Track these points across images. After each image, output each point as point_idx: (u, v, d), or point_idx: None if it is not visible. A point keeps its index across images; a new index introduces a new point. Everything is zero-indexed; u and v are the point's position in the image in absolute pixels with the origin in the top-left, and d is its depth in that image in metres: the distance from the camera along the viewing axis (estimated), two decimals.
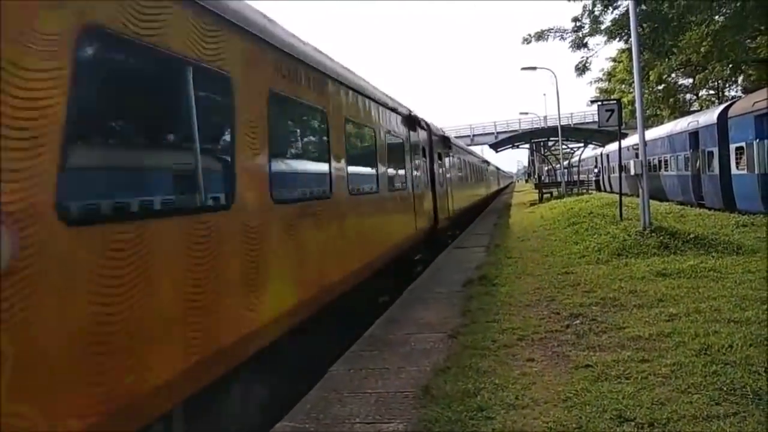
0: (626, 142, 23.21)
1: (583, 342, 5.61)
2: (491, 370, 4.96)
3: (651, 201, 12.49)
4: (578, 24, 23.65)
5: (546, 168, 53.02)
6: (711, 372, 4.50)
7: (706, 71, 33.79)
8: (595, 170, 41.36)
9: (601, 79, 48.85)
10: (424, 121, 13.68)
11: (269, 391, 5.12)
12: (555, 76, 39.62)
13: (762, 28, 22.39)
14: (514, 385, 4.59)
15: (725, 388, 4.19)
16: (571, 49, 24.02)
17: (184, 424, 3.77)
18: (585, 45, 23.87)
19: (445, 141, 17.16)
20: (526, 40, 24.41)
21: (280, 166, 5.53)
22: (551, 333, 5.99)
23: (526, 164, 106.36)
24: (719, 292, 7.10)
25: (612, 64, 44.22)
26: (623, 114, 17.01)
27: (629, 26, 14.08)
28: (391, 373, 5.23)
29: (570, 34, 23.78)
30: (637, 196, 14.52)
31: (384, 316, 7.54)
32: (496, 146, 39.55)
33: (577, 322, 6.33)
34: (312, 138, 6.89)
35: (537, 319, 6.61)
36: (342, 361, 5.74)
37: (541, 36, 24.12)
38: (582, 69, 24.79)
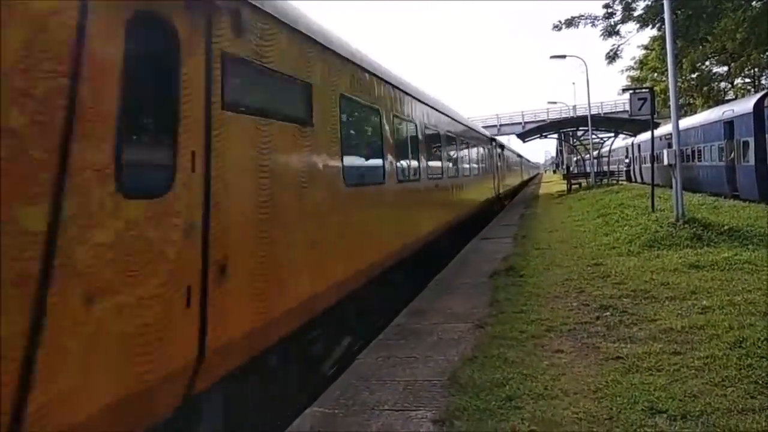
0: (658, 132, 22.74)
1: (614, 334, 5.55)
2: (519, 361, 4.94)
3: (683, 192, 12.21)
4: (609, 11, 23.15)
5: (575, 158, 52.23)
6: (746, 365, 4.42)
7: (742, 59, 32.84)
8: (626, 160, 40.63)
9: (633, 68, 47.88)
10: (494, 138, 24.97)
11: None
12: (585, 65, 38.87)
13: None
14: (542, 375, 4.57)
15: (761, 382, 4.11)
16: (602, 37, 23.54)
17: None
18: (617, 32, 23.37)
19: (501, 146, 28.51)
20: (557, 27, 24.00)
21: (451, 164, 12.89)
22: (580, 324, 5.93)
23: (554, 154, 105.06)
24: (754, 284, 6.94)
25: (644, 52, 43.26)
26: (655, 103, 16.65)
27: (662, 13, 13.75)
28: (418, 362, 5.25)
29: (601, 20, 23.30)
30: (669, 187, 14.23)
31: (410, 306, 7.56)
32: (523, 136, 39.09)
33: (607, 313, 6.26)
34: (469, 152, 16.42)
35: (566, 310, 6.56)
36: (369, 350, 5.77)
37: (571, 23, 23.67)
38: (613, 56, 24.31)
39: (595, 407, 3.93)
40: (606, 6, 23.17)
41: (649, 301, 6.64)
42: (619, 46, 24.08)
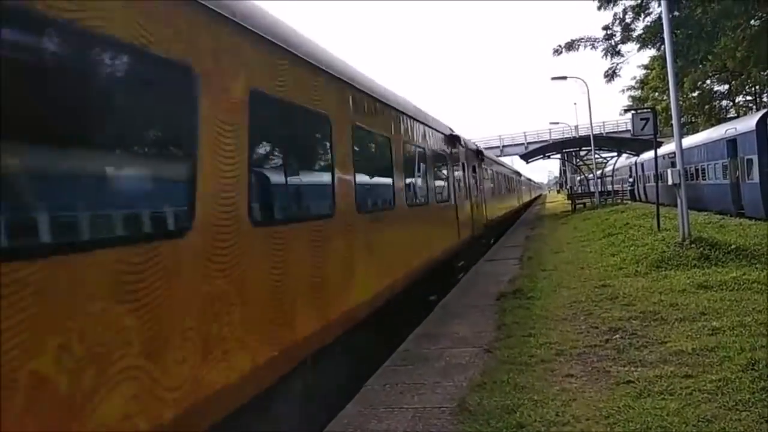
0: (661, 151, 22.76)
1: (624, 357, 5.49)
2: (529, 386, 4.88)
3: (689, 211, 12.16)
4: (609, 32, 23.36)
5: (578, 178, 52.32)
6: (759, 388, 4.35)
7: (743, 77, 33.01)
8: (630, 180, 40.65)
9: (634, 87, 48.16)
10: (519, 172, 45.30)
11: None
12: (586, 85, 39.05)
13: None
14: (553, 401, 4.51)
15: None
16: (603, 57, 23.72)
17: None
18: (618, 53, 23.57)
19: (518, 173, 43.67)
20: (557, 51, 24.18)
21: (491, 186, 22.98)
22: (590, 348, 5.87)
23: (557, 174, 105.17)
24: (764, 304, 6.86)
25: (644, 71, 43.56)
26: (657, 122, 16.70)
27: (662, 32, 13.87)
28: (426, 389, 5.19)
29: (601, 42, 23.50)
30: (674, 206, 14.18)
31: (417, 331, 7.51)
32: (526, 157, 39.26)
33: (617, 336, 6.20)
34: (517, 184, 40.31)
35: (575, 333, 6.50)
36: (377, 377, 5.72)
37: (571, 46, 23.88)
38: (611, 75, 24.46)
39: None
40: (605, 28, 23.39)
41: (658, 323, 6.57)
42: (617, 65, 24.29)
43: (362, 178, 6.42)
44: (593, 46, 23.85)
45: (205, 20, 3.50)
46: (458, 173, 13.37)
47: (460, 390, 5.01)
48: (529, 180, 68.87)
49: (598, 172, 41.32)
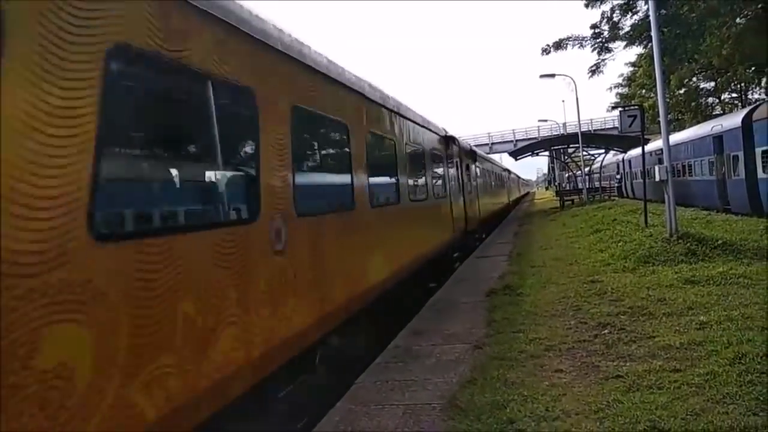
0: (648, 148, 22.95)
1: (613, 352, 5.52)
2: (519, 382, 4.90)
3: (676, 206, 12.25)
4: (597, 31, 23.51)
5: (566, 175, 52.69)
6: (746, 381, 4.39)
7: (728, 74, 33.32)
8: (617, 176, 40.94)
9: (621, 85, 48.48)
10: (519, 176, 67.53)
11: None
12: (574, 83, 39.36)
13: None
14: (543, 396, 4.53)
15: (762, 398, 4.08)
16: (593, 51, 23.91)
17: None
18: (607, 49, 23.79)
19: (518, 176, 62.27)
20: (545, 51, 24.31)
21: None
22: (579, 343, 5.91)
23: (546, 171, 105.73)
24: (751, 299, 6.95)
25: (631, 69, 43.84)
26: (645, 119, 16.82)
27: (649, 31, 13.97)
28: (417, 385, 5.19)
29: (589, 41, 23.65)
30: (661, 202, 14.30)
31: (408, 327, 7.52)
32: (515, 154, 39.39)
33: (606, 331, 6.23)
34: (515, 182, 58.27)
35: (564, 329, 6.53)
36: (368, 373, 5.72)
37: (559, 45, 24.01)
38: (594, 70, 24.64)
39: (597, 428, 3.89)
40: (593, 26, 23.54)
41: (646, 318, 6.62)
42: (602, 60, 24.50)
43: None
44: (581, 45, 24.01)
45: None
46: None
47: (451, 386, 5.01)
48: (519, 177, 70.02)
49: (586, 169, 41.56)
